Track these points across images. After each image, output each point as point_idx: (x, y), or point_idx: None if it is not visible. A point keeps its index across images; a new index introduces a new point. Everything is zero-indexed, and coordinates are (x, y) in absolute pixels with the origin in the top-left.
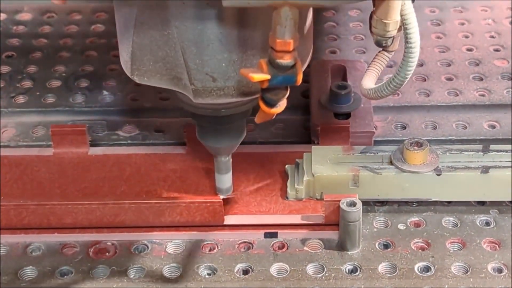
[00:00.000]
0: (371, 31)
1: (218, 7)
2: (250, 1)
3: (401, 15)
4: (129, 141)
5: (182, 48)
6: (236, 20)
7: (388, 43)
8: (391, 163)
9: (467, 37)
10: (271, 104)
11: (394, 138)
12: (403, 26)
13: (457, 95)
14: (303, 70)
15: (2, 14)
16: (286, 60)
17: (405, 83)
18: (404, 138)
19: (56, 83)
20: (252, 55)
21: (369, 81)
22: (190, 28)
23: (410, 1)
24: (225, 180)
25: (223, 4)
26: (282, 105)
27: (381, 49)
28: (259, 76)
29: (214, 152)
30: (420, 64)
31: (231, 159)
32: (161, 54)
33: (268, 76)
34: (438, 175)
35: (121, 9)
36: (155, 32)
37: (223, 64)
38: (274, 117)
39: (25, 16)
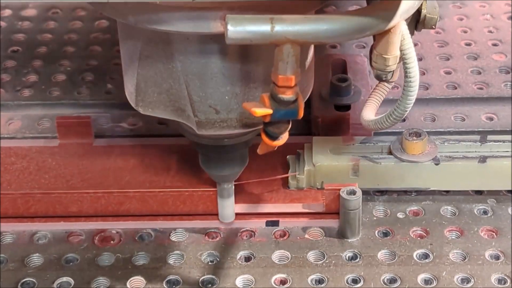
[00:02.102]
0: (371, 65)
1: (222, 42)
2: (253, 39)
3: (401, 50)
4: (133, 133)
5: (186, 81)
6: (239, 55)
7: (388, 77)
8: (390, 153)
9: (465, 32)
10: (273, 137)
11: (393, 130)
12: (403, 60)
13: (456, 88)
14: (304, 100)
15: (7, 10)
16: (288, 95)
17: (405, 115)
18: (403, 130)
19: (61, 77)
20: (254, 88)
21: (369, 112)
22: (194, 62)
23: (409, 36)
24: (228, 205)
25: (226, 41)
26: (284, 137)
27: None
28: (262, 111)
29: (217, 179)
30: (420, 59)
31: (233, 186)
32: (165, 86)
33: (270, 111)
34: (437, 164)
35: (126, 42)
36: (159, 65)
37: (226, 97)
38: (276, 148)
39: (30, 12)
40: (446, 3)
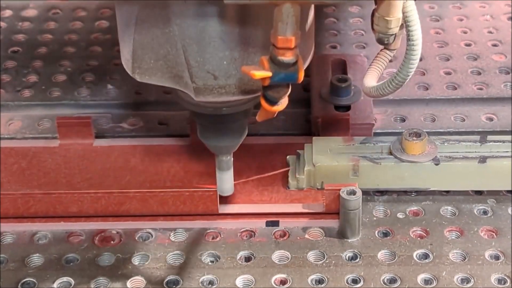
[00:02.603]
0: (373, 29)
1: (220, 5)
2: None
3: (403, 13)
4: (133, 133)
5: (183, 46)
6: (238, 18)
7: (390, 41)
8: (390, 153)
9: (465, 32)
10: (273, 102)
11: (393, 131)
12: (405, 24)
13: (456, 89)
14: (304, 67)
15: (7, 11)
16: (287, 57)
17: (408, 80)
18: (403, 130)
19: (61, 77)
20: (253, 53)
21: (371, 80)
22: (192, 26)
23: None
24: (227, 178)
25: (224, 1)
26: (283, 103)
27: (382, 47)
28: (261, 73)
29: (215, 151)
30: (420, 59)
31: (232, 158)
32: (162, 52)
33: (269, 73)
34: (437, 164)
35: (122, 8)
36: (156, 30)
37: (225, 62)
38: (275, 115)
39: (30, 12)
40: (446, 3)
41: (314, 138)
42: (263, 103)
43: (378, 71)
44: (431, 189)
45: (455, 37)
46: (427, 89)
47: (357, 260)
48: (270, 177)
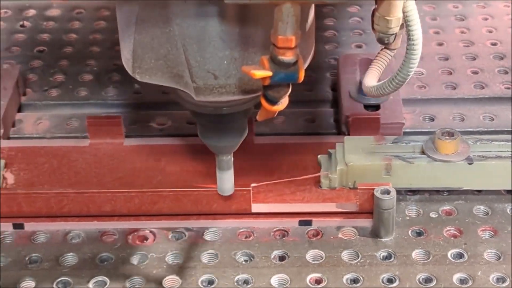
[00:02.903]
0: (373, 28)
1: (220, 4)
2: None
3: (403, 12)
4: (162, 133)
5: (183, 45)
6: (238, 17)
7: (390, 40)
8: (423, 152)
9: (490, 31)
10: (273, 102)
11: (423, 130)
12: (405, 23)
13: (483, 88)
14: (305, 67)
15: (31, 10)
16: (288, 57)
17: (408, 80)
18: (432, 130)
19: (88, 77)
20: (253, 53)
21: (371, 79)
22: (192, 26)
23: None
24: (227, 178)
25: (224, 1)
26: (284, 102)
27: (382, 47)
28: (261, 73)
29: (215, 151)
30: (446, 58)
31: (232, 158)
32: (163, 51)
33: (270, 73)
34: (470, 164)
35: (122, 8)
36: (156, 29)
37: (225, 62)
38: (275, 114)
39: (54, 12)
40: (470, 2)
41: (345, 137)
42: (264, 102)
43: (378, 71)
44: (464, 188)
45: (480, 36)
46: (454, 88)
47: (391, 260)
48: (301, 177)
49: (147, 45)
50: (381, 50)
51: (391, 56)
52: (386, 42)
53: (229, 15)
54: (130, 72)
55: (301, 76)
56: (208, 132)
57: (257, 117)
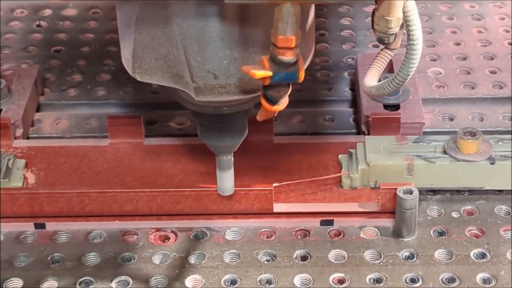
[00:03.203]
0: (373, 28)
1: (220, 4)
2: None
3: (403, 12)
4: (181, 132)
5: (183, 45)
6: (238, 17)
7: (390, 40)
8: (444, 152)
9: (507, 31)
10: (273, 102)
11: (442, 130)
12: (405, 23)
13: (502, 88)
14: (305, 67)
15: (47, 10)
16: (288, 57)
17: (408, 79)
18: (452, 130)
19: (105, 77)
20: (254, 53)
21: (371, 79)
22: (192, 26)
23: None
24: (227, 178)
25: (224, 1)
26: (284, 102)
27: (383, 47)
28: (261, 73)
29: (216, 150)
30: (464, 58)
31: (232, 158)
32: (163, 51)
33: (270, 73)
34: (492, 164)
35: (122, 7)
36: (156, 29)
37: (225, 62)
38: (276, 114)
39: (70, 12)
40: (486, 2)
41: (366, 137)
42: (264, 102)
43: (378, 71)
44: (485, 188)
45: (498, 36)
46: (473, 88)
47: (414, 260)
48: (322, 176)
49: (147, 45)
50: (381, 50)
51: (391, 56)
52: (386, 42)
53: (229, 15)
54: (130, 72)
55: (301, 76)
56: (208, 132)
57: (257, 117)
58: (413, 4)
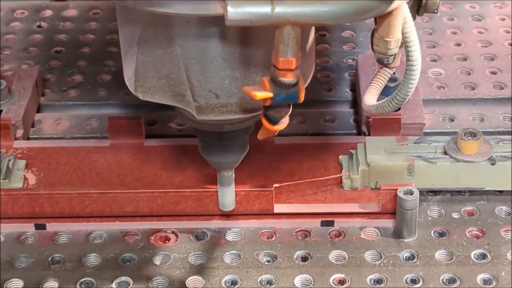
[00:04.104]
0: (372, 49)
1: (222, 26)
2: (253, 21)
3: (403, 33)
4: (181, 133)
5: (185, 65)
6: (239, 38)
7: (389, 61)
8: (445, 153)
9: (508, 32)
10: (274, 122)
11: (443, 130)
12: (404, 44)
13: (502, 89)
14: (305, 86)
15: (48, 11)
16: (288, 78)
17: (407, 100)
18: (452, 130)
19: (106, 77)
20: (255, 73)
21: (371, 98)
22: (194, 46)
23: (411, 19)
24: (228, 194)
25: (226, 23)
26: (284, 122)
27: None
28: (262, 94)
29: (217, 167)
30: (464, 59)
31: (233, 174)
32: (165, 71)
33: (270, 94)
34: (493, 164)
35: (125, 27)
36: (158, 49)
37: (226, 81)
38: (276, 133)
39: (71, 13)
40: (487, 3)
41: (367, 137)
42: (265, 122)
43: (377, 90)
44: (486, 189)
45: (498, 37)
46: (473, 88)
47: (414, 260)
48: (323, 177)
49: (150, 65)
50: (381, 68)
51: (390, 74)
52: (385, 62)
53: (231, 36)
54: (132, 90)
55: (302, 97)
56: (209, 148)
57: (258, 136)
58: (412, 26)
